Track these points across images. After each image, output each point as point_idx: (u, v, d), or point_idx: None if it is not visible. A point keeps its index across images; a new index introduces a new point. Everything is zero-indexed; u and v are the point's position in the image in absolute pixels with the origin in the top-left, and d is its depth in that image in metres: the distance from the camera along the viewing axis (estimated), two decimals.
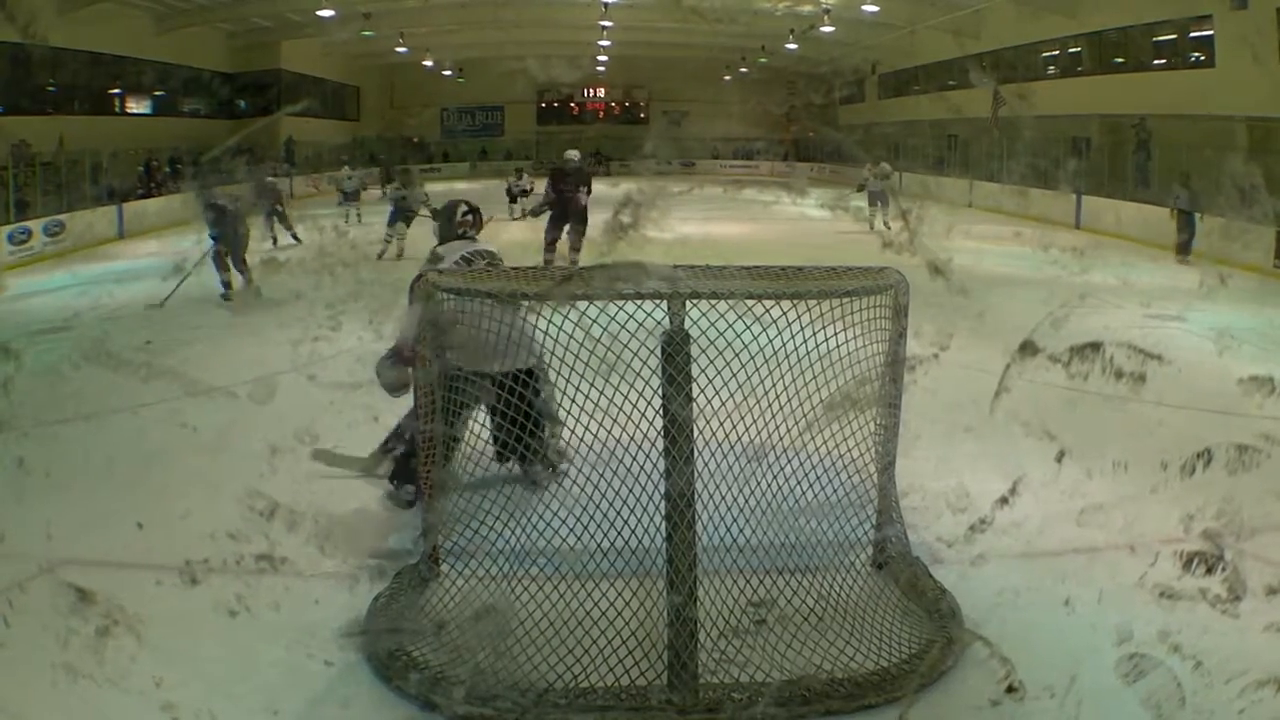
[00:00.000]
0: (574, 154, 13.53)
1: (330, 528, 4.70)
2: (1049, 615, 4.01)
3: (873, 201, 18.25)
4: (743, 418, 3.79)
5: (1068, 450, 4.79)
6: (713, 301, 3.69)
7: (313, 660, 3.69)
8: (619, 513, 3.74)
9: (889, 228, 17.53)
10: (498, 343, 4.36)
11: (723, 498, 3.75)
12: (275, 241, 16.23)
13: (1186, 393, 6.65)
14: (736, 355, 3.84)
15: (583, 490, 3.76)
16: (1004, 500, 4.34)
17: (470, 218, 5.45)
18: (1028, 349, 3.85)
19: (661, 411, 3.48)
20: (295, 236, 16.55)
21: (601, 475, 3.70)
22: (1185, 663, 3.49)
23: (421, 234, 12.68)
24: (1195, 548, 4.03)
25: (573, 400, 3.67)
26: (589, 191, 12.93)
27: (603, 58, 39.60)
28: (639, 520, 3.67)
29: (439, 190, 20.27)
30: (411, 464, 4.74)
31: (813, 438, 3.92)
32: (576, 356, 3.67)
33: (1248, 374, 5.43)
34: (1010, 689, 3.44)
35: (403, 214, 14.88)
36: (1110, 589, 4.17)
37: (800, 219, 13.39)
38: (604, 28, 34.12)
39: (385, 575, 4.24)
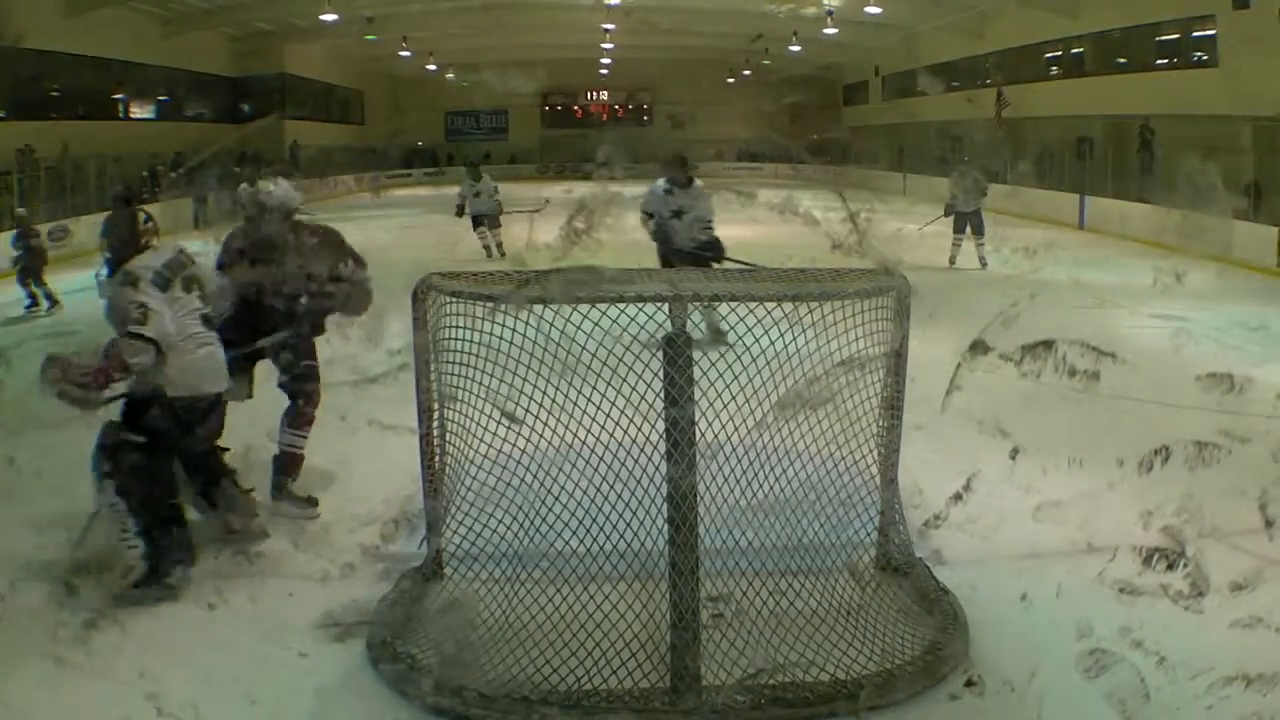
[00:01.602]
0: (272, 188, 5.23)
1: (303, 525, 4.82)
2: (1006, 611, 4.00)
3: (960, 226, 13.93)
4: (745, 420, 3.81)
5: (1022, 447, 4.80)
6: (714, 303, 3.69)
7: (287, 651, 3.79)
8: (621, 515, 3.76)
9: (985, 264, 13.63)
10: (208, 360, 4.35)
11: (725, 499, 3.76)
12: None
13: (1144, 389, 6.65)
14: (739, 357, 3.86)
15: (585, 493, 3.77)
16: (958, 496, 4.35)
17: (150, 225, 4.84)
18: (979, 348, 3.88)
19: (664, 413, 3.50)
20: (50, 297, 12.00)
21: (604, 478, 3.72)
22: (1149, 658, 3.49)
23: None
24: (1155, 544, 4.04)
25: (574, 402, 3.69)
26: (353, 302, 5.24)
27: (606, 61, 39.66)
28: (641, 523, 3.69)
29: (445, 193, 20.32)
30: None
31: (814, 440, 3.93)
32: (578, 359, 3.70)
33: (1206, 370, 5.41)
34: (969, 683, 3.46)
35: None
36: (1069, 585, 4.16)
37: (802, 220, 13.32)
38: (607, 31, 34.19)
39: (390, 576, 4.30)
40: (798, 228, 4.63)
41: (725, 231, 9.21)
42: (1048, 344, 3.89)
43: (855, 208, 3.84)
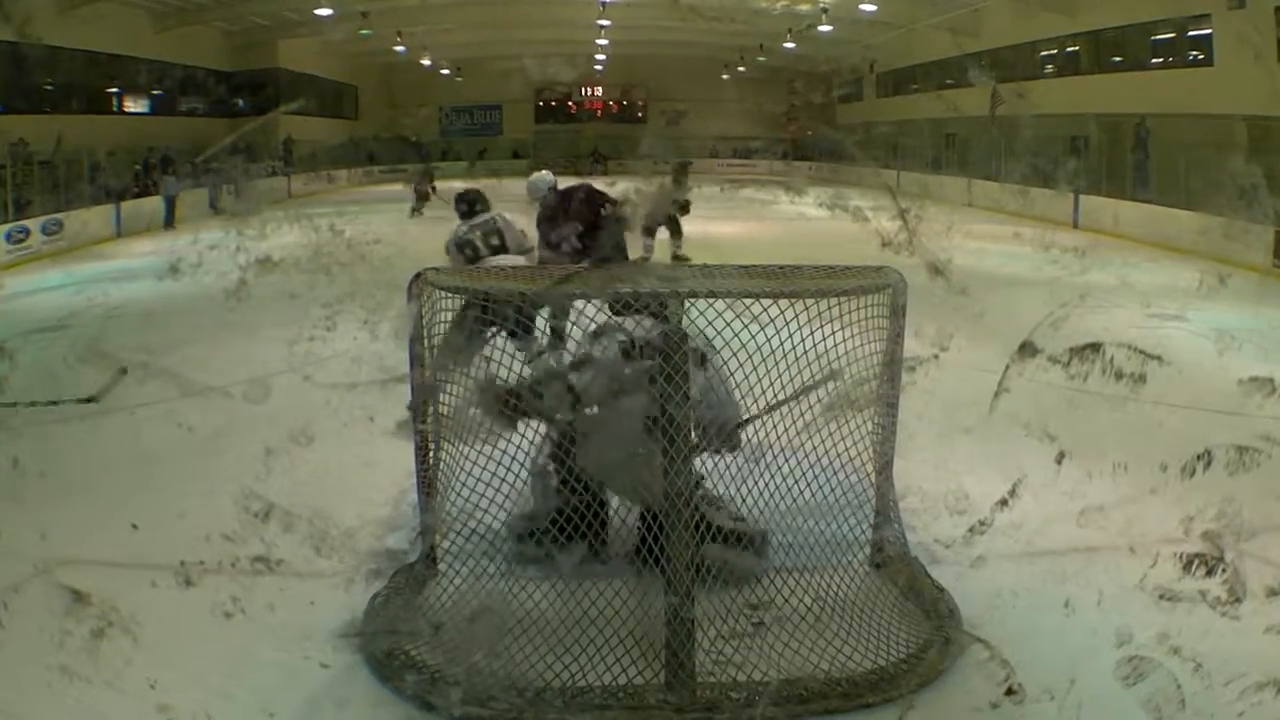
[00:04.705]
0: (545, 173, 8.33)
1: (325, 529, 4.69)
2: (1048, 617, 4.00)
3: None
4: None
5: (1068, 451, 4.79)
6: (710, 300, 3.68)
7: (309, 661, 3.68)
8: (617, 512, 3.76)
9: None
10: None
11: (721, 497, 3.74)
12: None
13: (1187, 393, 6.64)
14: (734, 355, 3.84)
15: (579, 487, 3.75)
16: (1003, 501, 4.33)
17: None
18: (1027, 349, 3.85)
19: (660, 411, 3.47)
20: None
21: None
22: (1185, 665, 3.47)
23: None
24: (1195, 549, 4.01)
25: None
26: None
27: (600, 56, 39.61)
28: (637, 520, 3.68)
29: (440, 188, 20.36)
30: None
31: (810, 437, 3.91)
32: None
33: (1248, 374, 5.42)
34: (1009, 691, 3.43)
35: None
36: (1110, 590, 4.16)
37: (797, 218, 13.35)
38: (602, 27, 34.13)
39: (383, 575, 4.23)
40: (781, 225, 4.54)
41: (722, 228, 9.30)
42: (1095, 346, 3.84)
43: (904, 205, 3.80)
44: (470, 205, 6.89)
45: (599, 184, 8.59)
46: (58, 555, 4.44)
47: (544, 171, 8.26)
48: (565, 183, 8.27)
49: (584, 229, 7.39)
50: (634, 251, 9.75)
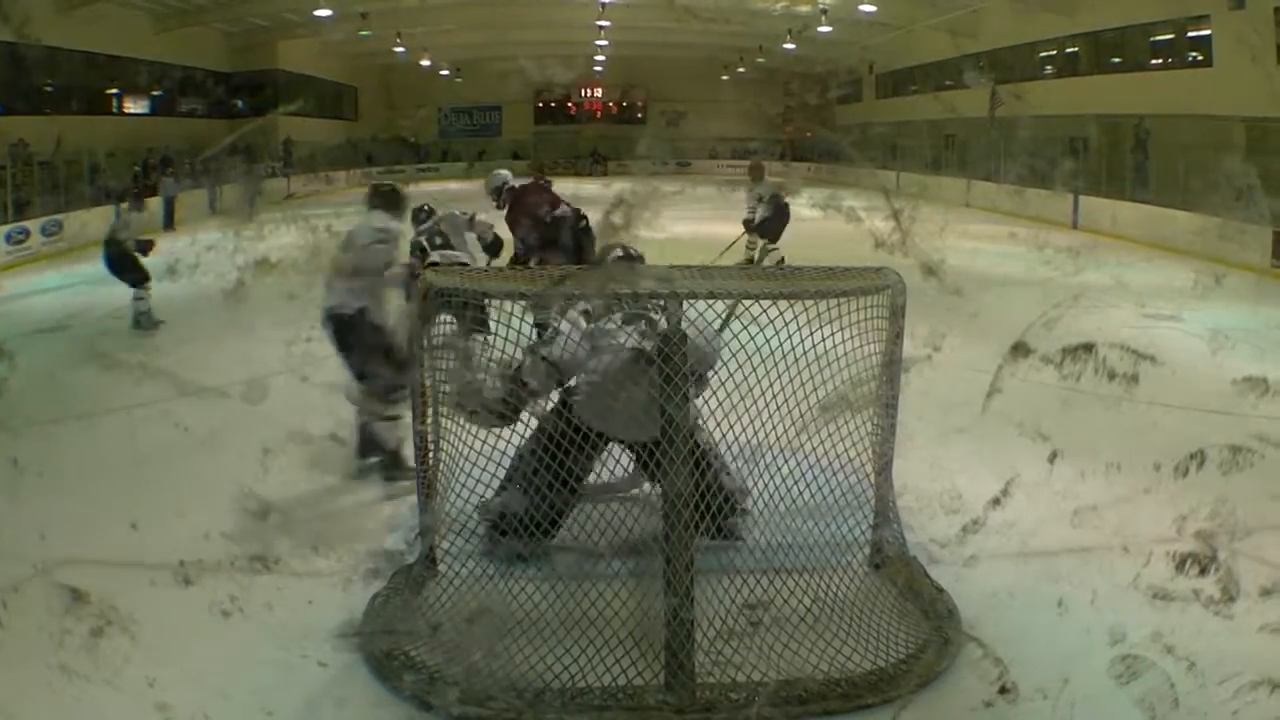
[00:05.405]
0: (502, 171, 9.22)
1: (324, 529, 4.71)
2: (1042, 616, 4.01)
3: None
4: (739, 418, 3.80)
5: (1061, 451, 4.80)
6: (709, 301, 3.68)
7: (307, 661, 3.69)
8: (615, 513, 3.77)
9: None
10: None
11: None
12: None
13: (1181, 393, 6.65)
14: (733, 355, 3.85)
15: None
16: (996, 501, 4.34)
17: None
18: (1020, 350, 3.85)
19: (658, 411, 3.48)
20: None
21: (599, 475, 3.69)
22: (1179, 664, 3.49)
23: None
24: (1189, 548, 4.02)
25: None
26: None
27: (600, 57, 39.61)
28: (636, 520, 3.68)
29: (434, 189, 20.37)
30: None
31: (809, 438, 3.92)
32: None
33: (1242, 374, 5.43)
34: (1003, 690, 3.44)
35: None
36: (1104, 590, 4.17)
37: (794, 219, 13.37)
38: (601, 27, 34.14)
39: (381, 576, 4.24)
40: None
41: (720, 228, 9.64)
42: (1088, 347, 3.85)
43: (898, 206, 3.82)
44: (416, 217, 7.85)
45: (598, 184, 8.87)
46: (56, 554, 4.45)
47: (499, 170, 9.18)
48: (566, 185, 8.44)
49: (534, 225, 8.30)
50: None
